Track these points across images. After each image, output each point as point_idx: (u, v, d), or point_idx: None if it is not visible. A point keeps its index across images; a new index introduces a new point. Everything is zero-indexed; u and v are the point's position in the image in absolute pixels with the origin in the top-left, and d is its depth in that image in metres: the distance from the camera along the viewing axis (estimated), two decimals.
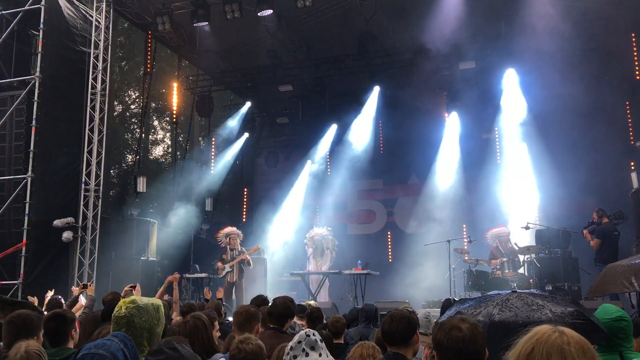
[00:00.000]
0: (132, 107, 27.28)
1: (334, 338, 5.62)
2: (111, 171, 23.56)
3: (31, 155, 11.93)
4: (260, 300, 6.40)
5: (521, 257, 12.48)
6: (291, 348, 2.59)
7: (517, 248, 12.44)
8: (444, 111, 16.90)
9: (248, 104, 18.73)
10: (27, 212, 11.76)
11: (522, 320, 3.10)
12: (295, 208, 18.27)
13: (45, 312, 6.37)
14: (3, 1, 12.96)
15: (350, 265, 13.85)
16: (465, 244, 13.87)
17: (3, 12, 12.70)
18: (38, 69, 12.21)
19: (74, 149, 12.93)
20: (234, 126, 18.62)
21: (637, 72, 13.98)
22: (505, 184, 15.37)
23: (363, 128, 17.50)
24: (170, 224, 15.97)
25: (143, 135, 21.40)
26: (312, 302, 8.34)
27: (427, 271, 14.12)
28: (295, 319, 6.02)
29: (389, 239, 18.38)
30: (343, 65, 16.88)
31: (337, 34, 16.01)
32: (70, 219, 12.31)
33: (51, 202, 12.40)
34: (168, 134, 27.89)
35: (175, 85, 18.04)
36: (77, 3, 13.57)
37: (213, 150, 19.41)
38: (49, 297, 7.92)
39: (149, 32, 15.77)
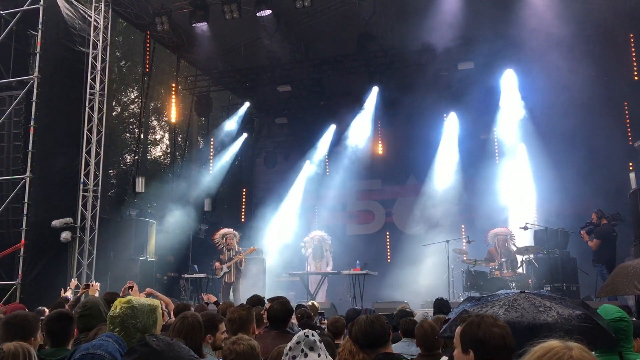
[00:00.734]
0: (131, 107, 27.26)
1: (334, 339, 5.61)
2: (110, 171, 23.56)
3: (29, 155, 11.90)
4: (255, 299, 6.38)
5: (520, 258, 12.49)
6: (290, 348, 2.59)
7: (515, 248, 12.45)
8: (442, 112, 16.91)
9: (247, 105, 18.73)
10: (25, 212, 11.74)
11: (527, 322, 3.09)
12: (294, 208, 18.28)
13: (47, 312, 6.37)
14: (1, 1, 12.94)
15: (348, 266, 13.86)
16: (464, 244, 13.89)
17: (1, 12, 12.68)
18: (36, 69, 12.19)
19: (72, 149, 12.90)
20: (232, 126, 18.62)
21: (635, 73, 13.99)
22: (503, 185, 15.39)
23: (362, 128, 17.51)
24: (168, 224, 15.96)
25: (142, 135, 21.40)
26: (314, 303, 8.34)
27: (425, 271, 14.13)
28: (293, 319, 6.01)
29: (388, 240, 18.38)
30: (342, 66, 16.88)
31: (336, 34, 16.01)
32: (68, 220, 12.29)
33: (50, 202, 12.37)
34: (167, 135, 27.85)
35: (173, 85, 18.03)
36: (75, 3, 13.55)
37: (212, 150, 19.41)
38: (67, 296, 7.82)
39: (148, 33, 15.77)
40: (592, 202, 13.67)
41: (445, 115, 16.97)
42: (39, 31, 12.30)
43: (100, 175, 13.20)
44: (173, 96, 17.97)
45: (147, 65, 16.26)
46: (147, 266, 13.87)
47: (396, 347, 4.73)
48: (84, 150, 12.92)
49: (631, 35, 14.11)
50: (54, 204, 12.43)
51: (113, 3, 14.01)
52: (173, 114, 18.20)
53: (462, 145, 16.65)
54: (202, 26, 14.72)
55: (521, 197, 15.39)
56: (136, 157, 18.37)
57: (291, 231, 17.30)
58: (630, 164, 13.98)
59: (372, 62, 16.20)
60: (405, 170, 18.14)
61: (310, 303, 8.05)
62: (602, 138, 14.34)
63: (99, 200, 13.04)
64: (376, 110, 17.24)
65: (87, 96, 13.09)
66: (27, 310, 5.87)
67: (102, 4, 13.54)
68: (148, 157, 26.90)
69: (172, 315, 6.70)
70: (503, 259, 12.30)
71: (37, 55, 12.28)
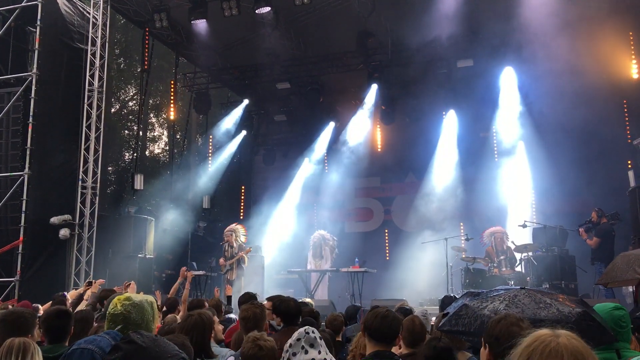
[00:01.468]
0: (130, 104, 27.24)
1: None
2: (108, 168, 23.54)
3: (28, 152, 11.89)
4: (247, 296, 6.35)
5: (518, 255, 12.50)
6: (290, 345, 2.59)
7: (513, 246, 12.46)
8: (442, 109, 16.90)
9: (246, 102, 18.70)
10: (24, 209, 11.74)
11: (528, 318, 3.09)
12: (293, 206, 18.27)
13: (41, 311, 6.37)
14: None
15: (347, 263, 13.87)
16: (463, 242, 13.89)
17: (0, 8, 12.65)
18: (35, 66, 12.18)
19: (71, 146, 12.88)
20: (231, 124, 18.58)
21: (634, 71, 14.00)
22: (502, 182, 15.40)
23: (361, 126, 17.49)
24: (167, 221, 15.95)
25: (140, 132, 21.37)
26: (305, 300, 8.32)
27: (424, 269, 14.12)
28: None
29: (386, 237, 18.38)
30: (341, 63, 16.86)
31: (335, 31, 15.97)
32: (67, 216, 12.28)
33: (48, 199, 12.36)
34: (165, 132, 27.84)
35: (172, 82, 18.01)
36: (74, 0, 13.53)
37: (210, 147, 19.39)
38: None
39: (147, 29, 15.73)
40: (591, 200, 13.69)
41: (444, 113, 16.95)
42: (38, 28, 12.28)
43: (99, 172, 13.19)
44: (172, 93, 17.95)
45: (146, 62, 16.22)
46: (146, 263, 13.87)
47: None
48: (83, 147, 12.90)
49: (630, 34, 14.10)
50: (52, 201, 12.42)
51: (112, 0, 13.98)
52: (172, 111, 18.18)
53: (461, 143, 16.64)
54: (201, 23, 14.69)
55: (520, 195, 15.40)
56: (135, 154, 18.37)
57: (290, 229, 17.30)
58: (629, 162, 14.00)
59: (371, 59, 16.16)
60: (404, 168, 18.13)
61: (306, 301, 8.03)
62: (601, 136, 14.35)
63: (97, 198, 13.03)
64: (375, 108, 17.23)
65: (86, 93, 13.07)
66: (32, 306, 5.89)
67: (101, 0, 13.51)
68: (147, 154, 26.89)
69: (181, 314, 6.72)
70: (501, 257, 12.32)
71: (36, 51, 12.27)
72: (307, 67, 17.19)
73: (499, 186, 15.36)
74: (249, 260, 13.71)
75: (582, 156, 14.15)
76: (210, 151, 19.36)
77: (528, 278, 11.95)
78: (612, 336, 3.27)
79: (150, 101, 25.95)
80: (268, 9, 13.87)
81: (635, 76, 14.05)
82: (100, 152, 13.23)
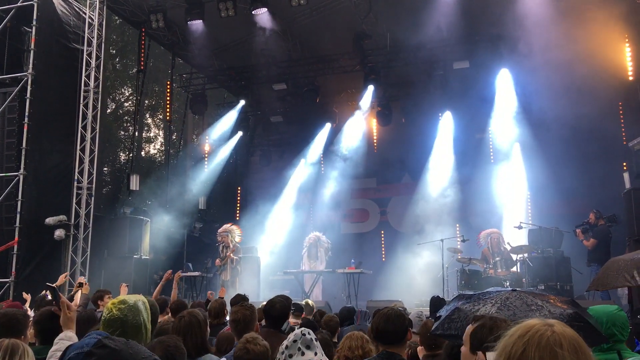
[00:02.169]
0: (126, 104, 27.18)
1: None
2: (104, 169, 23.48)
3: (23, 152, 11.85)
4: (239, 298, 6.34)
5: (514, 257, 12.52)
6: (286, 347, 2.59)
7: (509, 248, 12.48)
8: (437, 111, 16.93)
9: (242, 103, 18.68)
10: (19, 209, 11.70)
11: (519, 320, 3.10)
12: (289, 207, 18.26)
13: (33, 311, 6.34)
14: None
15: (343, 264, 13.86)
16: (459, 243, 13.89)
17: None
18: (30, 66, 12.14)
19: (66, 146, 12.86)
20: (227, 125, 18.56)
21: (630, 73, 14.04)
22: (498, 184, 15.42)
23: (357, 127, 17.50)
24: (163, 222, 15.92)
25: (136, 133, 21.33)
26: (309, 301, 8.33)
27: (420, 270, 14.14)
28: (290, 319, 5.98)
29: (382, 238, 18.38)
30: (337, 64, 16.88)
31: (332, 32, 15.99)
32: (62, 217, 12.24)
33: (43, 199, 12.33)
34: (161, 132, 27.80)
35: (168, 83, 17.98)
36: (70, 0, 13.50)
37: (206, 148, 19.36)
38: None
39: (143, 30, 15.71)
40: (586, 201, 13.72)
41: (440, 114, 16.99)
42: (34, 28, 12.25)
43: (95, 172, 13.16)
44: (168, 94, 17.92)
45: (142, 63, 16.21)
46: (141, 264, 13.84)
47: None
48: (78, 147, 12.87)
49: (626, 36, 14.15)
50: (47, 202, 12.39)
51: (108, 0, 13.96)
52: (168, 111, 18.14)
53: (457, 144, 16.67)
54: (198, 24, 14.68)
55: (515, 196, 15.42)
56: (131, 155, 18.31)
57: (286, 230, 17.29)
58: (624, 163, 14.03)
59: (368, 60, 16.18)
60: (400, 169, 18.14)
61: (304, 302, 8.03)
62: (596, 138, 14.39)
63: (93, 198, 13.00)
64: (371, 109, 17.25)
65: (82, 93, 13.04)
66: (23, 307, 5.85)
67: (97, 0, 13.49)
68: (142, 155, 26.83)
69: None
70: (497, 258, 12.33)
71: (32, 52, 12.23)
72: (304, 68, 17.19)
73: (494, 188, 15.38)
74: (243, 261, 13.69)
75: (577, 158, 14.18)
76: (206, 152, 19.34)
77: (524, 279, 11.97)
78: (603, 337, 3.30)
79: (146, 102, 25.90)
80: (264, 10, 13.88)
81: (630, 78, 14.09)
82: (96, 152, 13.20)
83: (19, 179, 11.77)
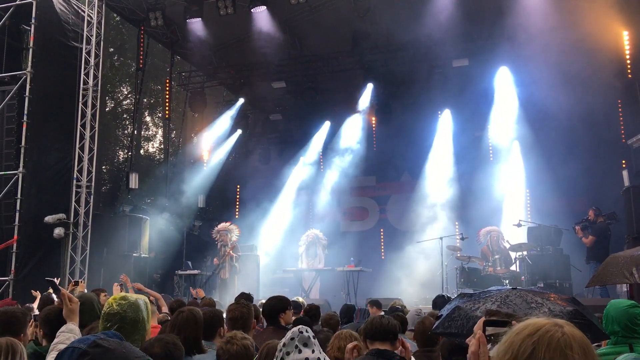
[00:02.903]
0: (125, 103, 27.15)
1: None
2: (103, 167, 23.47)
3: (22, 151, 11.85)
4: (244, 296, 6.36)
5: (513, 255, 12.54)
6: (284, 345, 2.58)
7: (508, 245, 12.49)
8: (437, 109, 16.92)
9: (241, 101, 18.66)
10: (18, 208, 11.70)
11: (518, 318, 3.10)
12: (288, 205, 18.26)
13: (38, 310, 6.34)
14: None
15: (343, 262, 13.87)
16: (458, 241, 13.91)
17: None
18: (29, 64, 12.13)
19: (65, 145, 12.85)
20: (226, 123, 18.56)
21: (629, 71, 14.03)
22: (497, 182, 15.43)
23: (356, 125, 17.51)
24: (162, 220, 15.92)
25: (135, 131, 21.31)
26: (299, 299, 8.31)
27: (419, 268, 14.15)
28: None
29: (382, 236, 18.39)
30: (336, 63, 16.85)
31: (331, 31, 15.97)
32: (61, 215, 12.24)
33: (42, 198, 12.33)
34: (160, 130, 27.76)
35: (167, 81, 17.96)
36: None
37: (206, 146, 19.35)
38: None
39: (142, 28, 15.68)
40: (586, 199, 13.74)
41: (439, 112, 16.99)
42: (32, 26, 12.24)
43: (94, 171, 13.16)
44: (167, 92, 17.91)
45: (141, 61, 16.18)
46: (141, 262, 13.84)
47: None
48: (77, 146, 12.87)
49: (625, 33, 14.13)
50: (46, 200, 12.39)
51: None
52: (167, 109, 18.12)
53: (456, 142, 16.68)
54: (197, 22, 14.66)
55: (515, 194, 15.43)
56: (130, 153, 18.29)
57: (285, 228, 17.29)
58: (624, 161, 14.03)
59: (367, 58, 16.18)
60: (400, 167, 18.14)
61: (298, 299, 8.00)
62: (595, 136, 14.39)
63: (92, 196, 13.00)
64: (370, 107, 17.24)
65: (80, 91, 13.04)
66: (19, 306, 5.84)
67: None
68: (142, 153, 26.81)
69: (163, 311, 6.70)
70: (496, 256, 12.36)
71: (30, 50, 12.22)
72: (303, 66, 17.17)
73: (494, 185, 15.39)
74: (243, 259, 13.70)
75: (576, 156, 14.19)
76: (205, 150, 19.32)
77: (523, 277, 11.99)
78: (604, 334, 3.30)
79: (145, 100, 25.86)
80: (263, 8, 13.86)
81: (629, 76, 14.07)
82: (95, 150, 13.20)
83: (18, 177, 11.77)
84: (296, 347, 2.55)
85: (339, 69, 16.93)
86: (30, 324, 4.41)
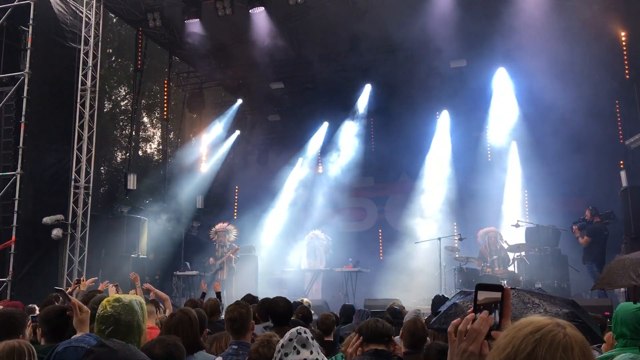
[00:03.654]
0: (123, 103, 27.14)
1: (324, 335, 5.61)
2: (101, 168, 23.46)
3: (20, 152, 11.83)
4: (250, 298, 6.37)
5: (511, 255, 12.54)
6: (282, 346, 2.58)
7: (506, 246, 12.50)
8: (435, 109, 16.94)
9: (239, 101, 18.67)
10: (16, 209, 11.68)
11: (515, 318, 3.11)
12: (286, 206, 18.26)
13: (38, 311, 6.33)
14: None
15: (341, 263, 13.87)
16: (456, 241, 13.92)
17: None
18: (27, 65, 12.12)
19: (63, 146, 12.84)
20: (225, 123, 18.56)
21: (626, 71, 14.05)
22: (495, 182, 15.44)
23: (354, 126, 17.51)
24: (160, 221, 15.91)
25: (133, 132, 21.31)
26: (305, 299, 8.34)
27: (417, 269, 14.15)
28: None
29: (380, 237, 18.39)
30: (334, 63, 16.86)
31: (329, 31, 15.98)
32: (59, 216, 12.23)
33: (40, 199, 12.31)
34: (158, 131, 27.77)
35: (165, 82, 17.96)
36: None
37: (204, 147, 19.34)
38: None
39: (140, 29, 15.68)
40: (583, 200, 13.76)
41: (437, 113, 17.01)
42: (30, 27, 12.23)
43: (92, 172, 13.15)
44: (165, 93, 17.90)
45: (139, 62, 16.18)
46: (139, 263, 13.83)
47: None
48: (75, 146, 12.86)
49: (623, 34, 14.16)
50: (44, 201, 12.38)
51: None
52: (165, 110, 18.12)
53: (454, 143, 16.69)
54: (195, 22, 14.66)
55: (513, 195, 15.45)
56: (128, 154, 18.31)
57: (283, 228, 17.28)
58: (621, 162, 14.06)
59: (365, 59, 16.19)
60: (398, 168, 18.15)
61: (301, 300, 8.04)
62: (593, 136, 14.40)
63: (90, 197, 12.99)
64: (369, 108, 17.25)
65: (79, 92, 13.03)
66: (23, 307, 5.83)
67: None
68: (140, 154, 26.80)
69: (168, 313, 6.69)
70: (494, 257, 12.36)
71: (28, 51, 12.21)
72: (301, 67, 17.18)
73: (491, 186, 15.39)
74: (241, 260, 13.70)
75: (574, 156, 14.19)
76: (203, 151, 19.31)
77: (521, 278, 12.00)
78: (599, 337, 3.30)
79: (144, 101, 25.86)
80: (261, 8, 13.87)
81: (627, 77, 14.10)
82: (93, 151, 13.19)
83: (16, 178, 11.75)
84: (294, 348, 2.55)
85: (337, 69, 16.94)
86: (28, 324, 4.40)
